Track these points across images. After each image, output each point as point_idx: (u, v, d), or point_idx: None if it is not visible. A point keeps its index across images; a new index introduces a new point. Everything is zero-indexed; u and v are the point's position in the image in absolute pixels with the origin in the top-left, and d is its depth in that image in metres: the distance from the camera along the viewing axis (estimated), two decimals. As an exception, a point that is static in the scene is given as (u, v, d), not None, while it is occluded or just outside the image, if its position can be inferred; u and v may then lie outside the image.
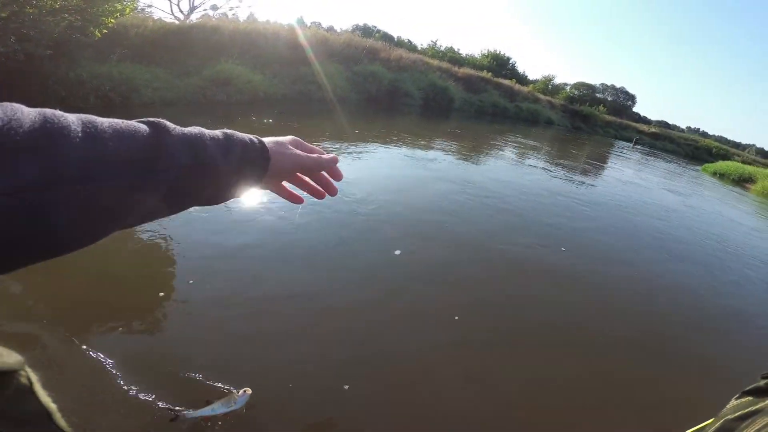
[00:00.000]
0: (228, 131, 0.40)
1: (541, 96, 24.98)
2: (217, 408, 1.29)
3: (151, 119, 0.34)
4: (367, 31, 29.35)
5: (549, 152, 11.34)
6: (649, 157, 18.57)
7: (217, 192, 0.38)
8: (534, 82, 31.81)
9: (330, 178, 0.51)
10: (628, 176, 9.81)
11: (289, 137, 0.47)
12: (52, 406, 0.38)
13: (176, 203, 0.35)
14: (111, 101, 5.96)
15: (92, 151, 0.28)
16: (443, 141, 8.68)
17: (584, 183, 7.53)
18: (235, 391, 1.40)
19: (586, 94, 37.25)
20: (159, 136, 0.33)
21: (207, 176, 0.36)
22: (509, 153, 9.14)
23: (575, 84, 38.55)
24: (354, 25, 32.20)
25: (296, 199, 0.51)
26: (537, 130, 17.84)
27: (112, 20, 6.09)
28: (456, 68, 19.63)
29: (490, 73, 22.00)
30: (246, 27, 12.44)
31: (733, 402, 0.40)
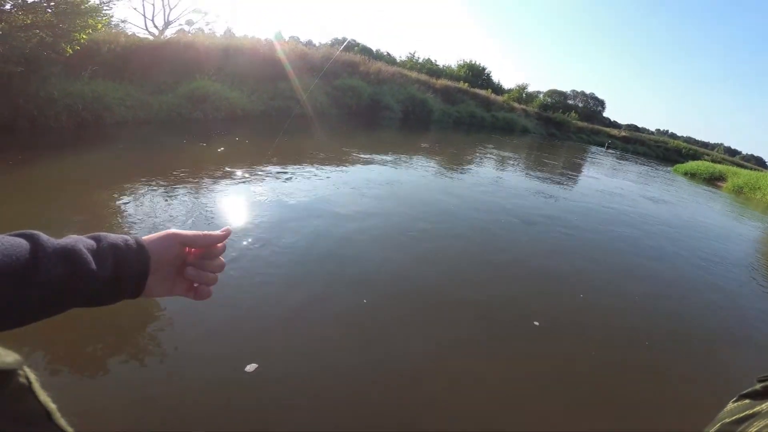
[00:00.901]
0: (101, 234, 0.42)
1: (516, 105, 25.99)
2: None
3: (26, 231, 0.36)
4: (347, 45, 29.91)
5: (526, 163, 11.80)
6: (622, 161, 19.55)
7: (98, 297, 0.40)
8: (509, 91, 33.11)
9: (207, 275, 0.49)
10: (604, 184, 10.22)
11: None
12: (52, 406, 0.39)
13: (53, 309, 0.37)
14: (83, 121, 5.88)
15: None
16: (420, 156, 8.92)
17: (558, 197, 7.70)
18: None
19: (558, 101, 39.02)
20: (36, 250, 0.35)
21: (82, 284, 0.38)
22: (488, 167, 9.47)
23: (548, 92, 40.43)
24: (334, 39, 32.83)
25: (201, 294, 0.49)
26: (513, 139, 18.52)
27: (84, 36, 6.04)
28: (434, 80, 20.25)
29: (466, 84, 22.81)
30: (222, 42, 12.47)
31: (731, 405, 0.40)
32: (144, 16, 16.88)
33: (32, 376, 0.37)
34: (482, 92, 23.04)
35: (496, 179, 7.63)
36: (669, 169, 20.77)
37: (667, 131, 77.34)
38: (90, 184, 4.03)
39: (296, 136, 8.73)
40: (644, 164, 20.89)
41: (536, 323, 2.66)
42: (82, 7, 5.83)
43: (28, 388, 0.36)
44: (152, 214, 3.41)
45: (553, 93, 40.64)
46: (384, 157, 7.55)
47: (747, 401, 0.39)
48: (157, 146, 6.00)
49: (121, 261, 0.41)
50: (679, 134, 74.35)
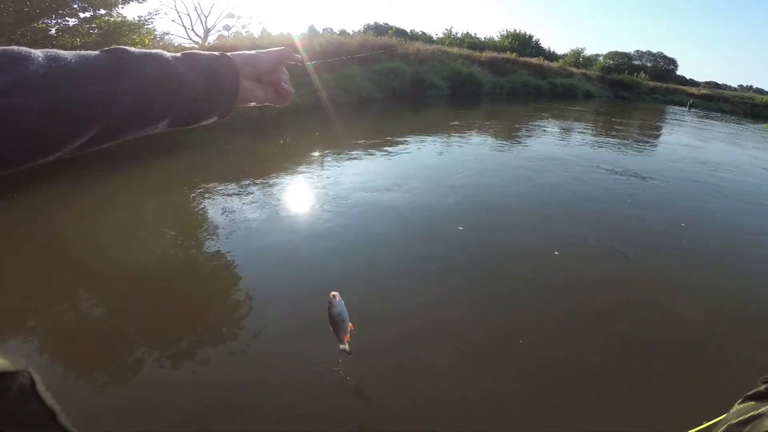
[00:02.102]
0: (191, 51, 0.44)
1: (574, 69, 24.01)
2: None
3: (110, 47, 0.37)
4: (379, 29, 29.56)
5: (604, 129, 10.76)
6: (708, 121, 17.24)
7: (195, 104, 0.42)
8: (563, 56, 30.64)
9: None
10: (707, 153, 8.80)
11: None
12: (57, 407, 0.39)
13: (152, 116, 0.38)
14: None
15: (55, 67, 0.32)
16: (477, 131, 8.45)
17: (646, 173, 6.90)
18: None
19: (622, 62, 35.43)
20: (120, 52, 0.37)
21: (176, 85, 0.40)
22: (577, 131, 8.73)
23: (608, 54, 36.74)
24: (365, 25, 32.57)
25: (286, 93, 0.53)
26: (576, 104, 17.10)
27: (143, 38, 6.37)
28: (477, 53, 19.30)
29: (514, 54, 21.42)
30: (262, 42, 12.83)
31: (736, 407, 0.41)
32: (183, 26, 17.92)
33: (37, 378, 0.38)
34: (533, 60, 21.55)
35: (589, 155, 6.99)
36: (764, 126, 17.93)
37: (752, 86, 67.15)
38: (171, 189, 4.30)
39: (349, 121, 8.71)
40: (735, 122, 18.22)
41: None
42: (123, 26, 6.18)
43: (33, 390, 0.37)
44: (234, 209, 3.63)
45: (614, 55, 36.90)
46: (434, 137, 7.24)
47: (752, 403, 0.39)
48: (227, 147, 6.26)
49: (213, 65, 0.44)
50: (766, 89, 64.17)
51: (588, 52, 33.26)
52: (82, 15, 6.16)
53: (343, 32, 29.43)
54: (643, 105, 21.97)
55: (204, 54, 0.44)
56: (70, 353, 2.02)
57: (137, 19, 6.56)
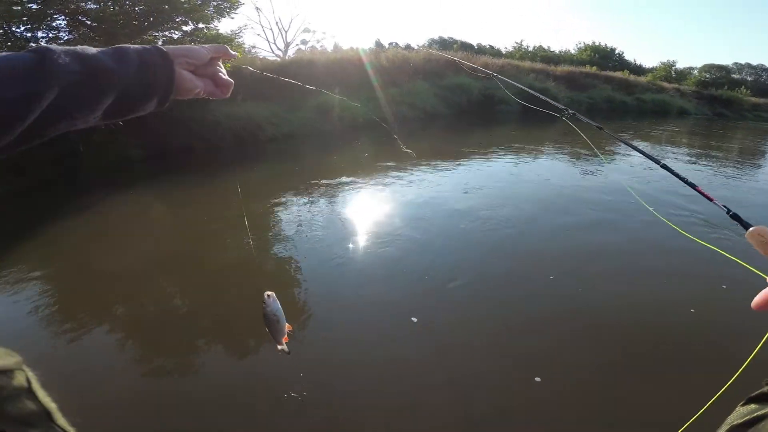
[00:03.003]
0: (119, 45, 0.45)
1: (666, 84, 21.94)
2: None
3: (34, 45, 0.40)
4: (444, 43, 29.69)
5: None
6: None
7: (127, 95, 0.44)
8: (652, 70, 28.23)
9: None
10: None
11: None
12: (52, 405, 0.41)
13: (79, 110, 0.40)
14: (242, 140, 6.77)
15: None
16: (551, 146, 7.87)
17: None
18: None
19: (719, 76, 31.68)
20: (42, 50, 0.37)
21: (103, 79, 0.41)
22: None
23: (703, 67, 33.11)
24: (430, 39, 32.91)
25: (225, 85, 0.55)
26: (671, 122, 15.46)
27: (228, 65, 6.92)
28: (552, 67, 18.44)
29: (594, 68, 20.13)
30: (336, 57, 13.45)
31: (739, 409, 0.40)
32: (267, 40, 19.50)
33: (32, 377, 0.39)
34: (617, 74, 20.07)
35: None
36: None
37: None
38: (257, 194, 4.59)
39: (415, 137, 8.65)
40: None
41: None
42: (219, 40, 6.74)
43: (29, 389, 0.37)
44: (304, 216, 3.93)
45: (710, 68, 33.14)
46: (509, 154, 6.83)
47: (755, 405, 0.39)
48: (302, 158, 6.53)
49: (143, 52, 0.45)
50: None
51: (680, 65, 30.32)
52: (184, 28, 6.92)
53: (407, 47, 30.06)
54: (744, 124, 19.27)
55: (133, 47, 0.45)
56: (153, 336, 2.27)
57: (230, 33, 7.19)
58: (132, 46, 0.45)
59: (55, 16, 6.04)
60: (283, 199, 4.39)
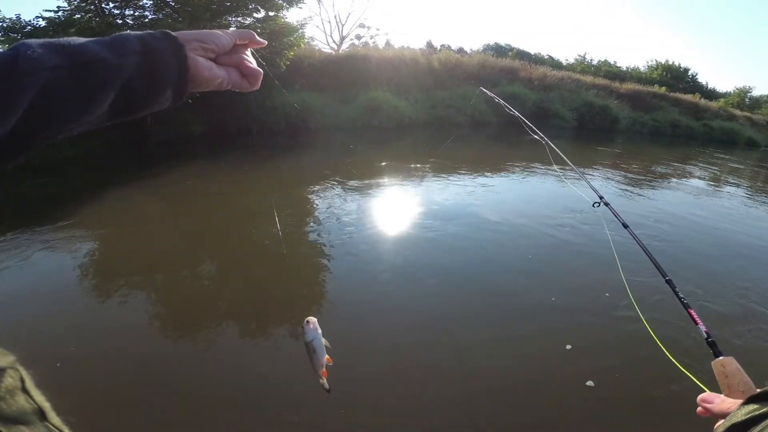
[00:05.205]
0: (119, 33, 0.41)
1: (737, 111, 20.51)
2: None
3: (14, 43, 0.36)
4: (499, 50, 29.46)
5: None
6: None
7: (131, 88, 0.39)
8: (725, 95, 26.48)
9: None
10: None
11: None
12: (46, 405, 0.40)
13: (73, 110, 0.36)
14: (296, 126, 7.27)
15: None
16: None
17: None
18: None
19: (803, 106, 29.05)
20: (17, 46, 0.35)
21: (96, 73, 0.37)
22: None
23: (785, 95, 30.51)
24: (485, 44, 32.76)
25: (253, 74, 0.50)
26: (737, 153, 14.39)
27: (291, 53, 7.43)
28: (617, 84, 17.84)
29: (663, 88, 19.25)
30: (388, 54, 13.79)
31: (742, 408, 0.41)
32: (324, 32, 20.34)
33: (26, 376, 0.39)
34: (687, 97, 19.04)
35: None
36: None
37: None
38: (299, 181, 5.04)
39: (465, 142, 8.77)
40: None
41: None
42: (286, 29, 7.24)
43: (22, 388, 0.38)
44: (340, 207, 4.21)
45: (792, 97, 30.50)
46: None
47: (755, 405, 0.40)
48: (348, 150, 6.89)
49: (146, 38, 0.41)
50: None
51: (757, 92, 28.14)
52: (256, 15, 7.53)
53: (460, 50, 30.09)
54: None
55: (135, 33, 0.41)
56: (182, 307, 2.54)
57: (296, 23, 7.72)
58: (134, 32, 0.42)
59: (141, -5, 6.84)
60: (334, 190, 4.77)
